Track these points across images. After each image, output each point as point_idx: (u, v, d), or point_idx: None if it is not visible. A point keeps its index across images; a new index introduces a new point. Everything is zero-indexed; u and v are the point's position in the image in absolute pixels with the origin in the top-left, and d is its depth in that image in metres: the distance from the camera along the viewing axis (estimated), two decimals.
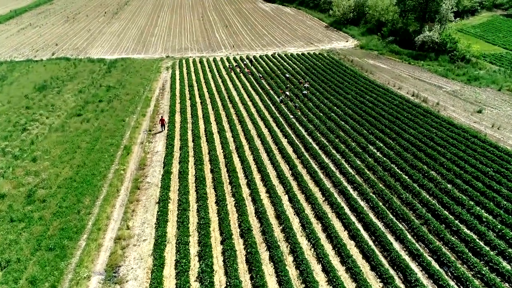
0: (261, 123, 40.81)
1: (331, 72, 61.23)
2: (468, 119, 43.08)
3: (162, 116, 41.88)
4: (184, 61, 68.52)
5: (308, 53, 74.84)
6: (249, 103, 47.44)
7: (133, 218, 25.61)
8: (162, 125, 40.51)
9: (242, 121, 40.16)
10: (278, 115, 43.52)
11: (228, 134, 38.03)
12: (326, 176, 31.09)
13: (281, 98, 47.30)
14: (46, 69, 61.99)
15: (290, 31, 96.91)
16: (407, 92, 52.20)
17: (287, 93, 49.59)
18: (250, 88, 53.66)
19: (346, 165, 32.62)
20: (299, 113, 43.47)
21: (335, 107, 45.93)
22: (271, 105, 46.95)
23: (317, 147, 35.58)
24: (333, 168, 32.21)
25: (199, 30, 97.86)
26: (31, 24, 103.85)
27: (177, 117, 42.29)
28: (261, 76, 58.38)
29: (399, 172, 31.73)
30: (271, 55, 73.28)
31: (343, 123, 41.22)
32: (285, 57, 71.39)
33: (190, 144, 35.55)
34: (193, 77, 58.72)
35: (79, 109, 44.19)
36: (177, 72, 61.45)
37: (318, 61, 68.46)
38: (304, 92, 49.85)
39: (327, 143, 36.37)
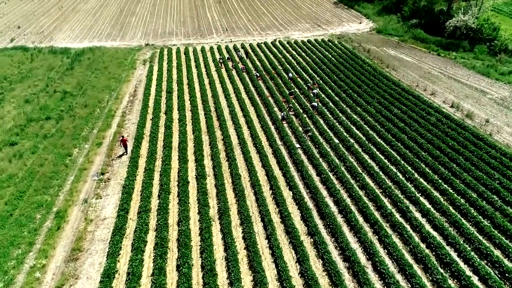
0: (256, 161, 29.85)
1: (344, 68, 49.60)
2: None
3: (123, 136, 32.09)
4: (166, 51, 56.63)
5: (315, 39, 62.66)
6: (242, 121, 36.41)
7: None
8: (125, 146, 30.88)
9: (230, 157, 29.38)
10: (279, 143, 32.55)
11: (210, 182, 27.24)
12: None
13: (283, 114, 36.19)
14: None
15: (293, 9, 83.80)
16: (444, 101, 40.99)
17: (291, 105, 38.41)
18: (244, 95, 42.38)
19: (387, 259, 22.14)
20: (308, 141, 32.54)
21: (354, 128, 34.93)
22: (270, 124, 35.92)
23: (335, 209, 24.74)
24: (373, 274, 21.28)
25: (188, 8, 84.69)
26: None
27: (144, 148, 31.50)
28: (258, 75, 46.88)
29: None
30: (271, 42, 61.16)
31: (367, 157, 30.42)
32: (287, 45, 59.32)
33: (155, 202, 24.93)
34: (174, 77, 47.26)
35: (16, 132, 33.28)
36: (155, 69, 49.86)
37: (328, 51, 56.53)
38: (314, 103, 38.62)
39: (349, 201, 25.57)
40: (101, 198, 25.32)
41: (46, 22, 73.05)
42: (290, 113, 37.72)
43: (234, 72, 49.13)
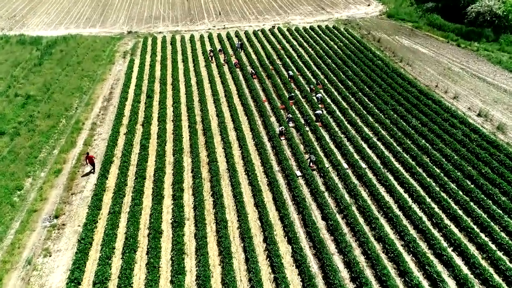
0: (248, 196, 24.25)
1: (352, 63, 43.35)
2: None
3: (88, 153, 27.28)
4: (150, 41, 50.09)
5: (318, 25, 55.89)
6: (233, 137, 30.67)
7: None
8: (92, 163, 26.31)
9: (216, 192, 23.89)
10: (277, 170, 26.94)
11: (189, 230, 21.87)
12: None
13: (281, 128, 30.40)
14: None
15: None
16: (469, 108, 35.10)
17: (290, 115, 32.56)
18: (236, 99, 36.40)
19: None
20: (312, 166, 26.93)
21: (366, 148, 29.21)
22: (266, 141, 30.23)
23: (346, 275, 19.41)
24: None
25: None
26: None
27: (112, 176, 25.95)
28: (253, 72, 40.71)
29: None
30: (269, 30, 54.42)
31: (383, 191, 24.91)
32: (287, 34, 52.68)
33: (117, 264, 19.61)
34: (157, 74, 41.08)
35: None
36: (137, 63, 43.59)
37: (333, 41, 50.04)
38: (318, 112, 32.75)
39: (363, 262, 20.35)
40: (50, 256, 20.01)
41: (19, 5, 65.85)
42: (290, 125, 31.94)
43: (226, 68, 42.88)
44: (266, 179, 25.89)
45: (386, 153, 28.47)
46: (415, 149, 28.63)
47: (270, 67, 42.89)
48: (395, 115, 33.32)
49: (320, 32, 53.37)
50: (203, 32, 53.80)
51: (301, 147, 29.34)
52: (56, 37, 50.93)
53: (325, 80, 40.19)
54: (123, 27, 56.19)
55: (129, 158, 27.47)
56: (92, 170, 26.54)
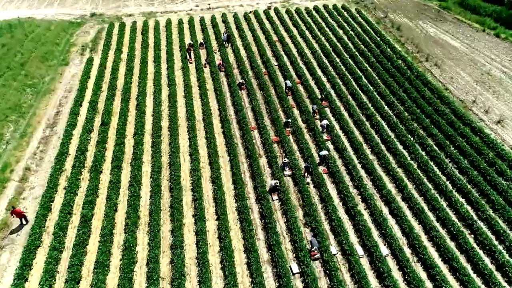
0: None
1: (367, 64, 34.80)
2: None
3: (14, 207, 20.61)
4: (116, 28, 40.67)
5: (324, 5, 46.03)
6: (208, 194, 22.90)
7: None
8: (21, 217, 20.67)
9: None
10: (265, 260, 19.54)
11: None
12: None
13: (274, 182, 22.52)
14: None
15: None
16: None
17: (286, 159, 24.48)
18: (217, 125, 28.01)
19: None
20: (316, 254, 19.36)
21: (388, 218, 21.51)
22: (253, 204, 22.45)
23: None
24: None
25: None
26: None
27: (36, 271, 18.61)
28: (242, 82, 31.96)
29: None
30: (264, 11, 44.52)
31: None
32: (286, 18, 43.03)
33: None
34: (120, 83, 32.40)
35: None
36: (96, 64, 34.72)
37: (343, 29, 40.70)
38: (323, 153, 24.54)
39: None
40: None
41: None
42: (286, 173, 24.06)
43: (207, 72, 34.08)
44: (250, 278, 18.49)
45: (416, 227, 20.86)
46: (457, 224, 21.03)
47: (264, 70, 34.09)
48: (423, 153, 25.34)
49: (326, 15, 43.57)
50: (183, 15, 43.94)
51: (300, 214, 21.69)
52: (0, 22, 41.27)
53: (332, 92, 31.62)
54: (86, 7, 46.17)
55: (63, 238, 19.93)
56: (23, 223, 20.64)
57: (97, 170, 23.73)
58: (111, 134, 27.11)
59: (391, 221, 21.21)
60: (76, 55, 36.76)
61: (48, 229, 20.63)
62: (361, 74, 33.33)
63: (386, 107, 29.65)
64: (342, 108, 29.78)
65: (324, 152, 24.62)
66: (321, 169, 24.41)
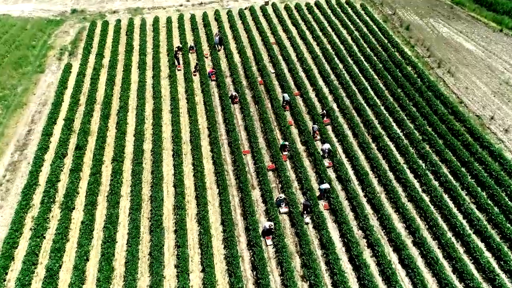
0: None
1: (373, 70, 31.64)
2: None
3: None
4: (99, 28, 37.12)
5: (326, 0, 42.06)
6: (194, 238, 20.15)
7: None
8: None
9: None
10: None
11: None
12: None
13: (268, 225, 19.76)
14: None
15: None
16: None
17: (283, 195, 21.64)
18: (205, 149, 25.07)
19: None
20: None
21: (398, 269, 18.84)
22: (244, 249, 19.71)
23: None
24: None
25: None
26: None
27: None
28: (234, 95, 28.73)
29: None
30: (260, 7, 40.77)
31: None
32: (285, 16, 39.43)
33: None
34: (100, 95, 29.27)
35: None
36: (75, 71, 31.45)
37: (347, 28, 37.32)
38: (324, 186, 21.69)
39: None
40: None
41: None
42: (282, 210, 21.30)
43: (197, 81, 30.87)
44: None
45: (430, 280, 18.22)
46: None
47: (259, 79, 30.89)
48: (436, 184, 22.52)
49: (329, 12, 39.92)
50: (172, 12, 40.24)
51: (298, 263, 19.03)
52: None
53: (335, 105, 28.53)
54: (67, 2, 42.34)
55: None
56: None
57: (68, 207, 20.92)
58: (87, 159, 24.19)
59: (401, 273, 18.57)
60: (54, 60, 33.40)
61: (9, 283, 18.01)
62: (367, 85, 30.14)
63: (394, 125, 26.63)
64: (345, 127, 26.77)
65: (325, 186, 21.76)
66: (322, 204, 21.64)
